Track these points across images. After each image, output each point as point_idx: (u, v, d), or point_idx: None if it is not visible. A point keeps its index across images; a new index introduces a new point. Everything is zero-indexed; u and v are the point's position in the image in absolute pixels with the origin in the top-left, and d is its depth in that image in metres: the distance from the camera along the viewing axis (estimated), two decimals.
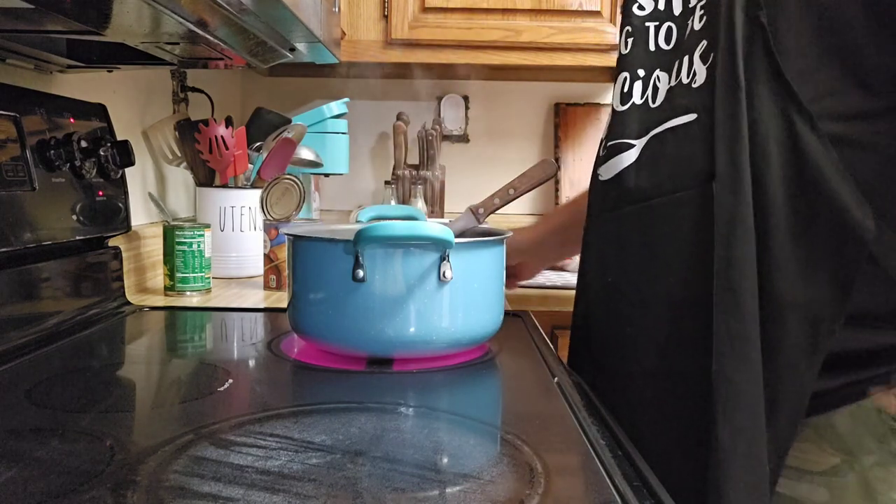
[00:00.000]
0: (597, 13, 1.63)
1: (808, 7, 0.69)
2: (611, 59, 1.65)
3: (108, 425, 0.56)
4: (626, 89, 0.79)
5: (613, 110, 0.80)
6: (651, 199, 0.74)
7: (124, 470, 0.48)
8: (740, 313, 0.66)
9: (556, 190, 1.93)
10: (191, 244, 1.15)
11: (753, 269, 0.66)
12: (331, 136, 1.64)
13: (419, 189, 1.82)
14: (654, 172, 0.74)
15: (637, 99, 0.78)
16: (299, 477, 0.46)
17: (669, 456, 0.68)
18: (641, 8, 0.79)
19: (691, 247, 0.70)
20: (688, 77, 0.73)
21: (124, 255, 1.07)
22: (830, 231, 0.67)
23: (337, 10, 1.06)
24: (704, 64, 0.71)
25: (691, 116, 0.71)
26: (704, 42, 0.72)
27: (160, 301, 1.11)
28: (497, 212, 0.89)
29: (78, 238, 0.93)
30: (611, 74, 1.70)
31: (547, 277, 1.47)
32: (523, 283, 1.12)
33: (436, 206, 1.88)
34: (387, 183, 1.87)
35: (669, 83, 0.75)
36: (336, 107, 1.65)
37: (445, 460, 0.51)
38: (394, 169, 1.86)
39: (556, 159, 1.93)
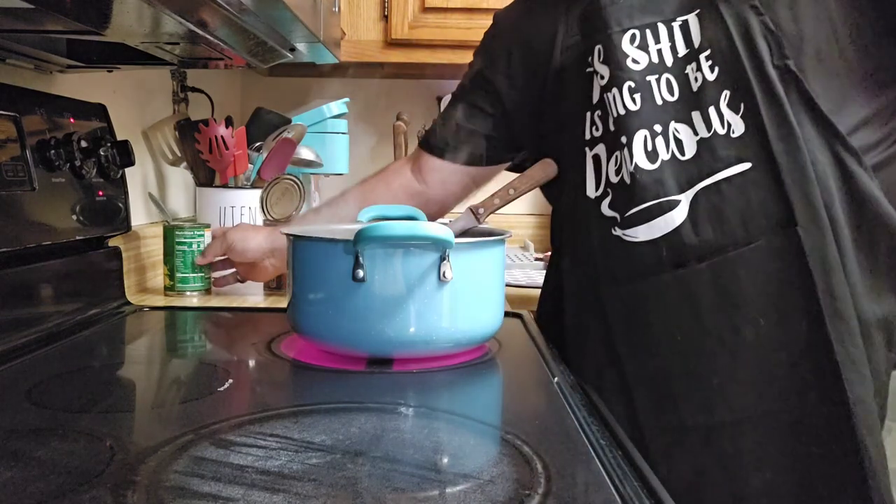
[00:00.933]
0: None
1: (828, 49, 0.75)
2: None
3: (108, 425, 0.56)
4: (650, 147, 0.79)
5: (638, 170, 0.78)
6: (723, 253, 0.75)
7: (124, 470, 0.48)
8: (855, 338, 0.72)
9: None
10: (190, 244, 1.14)
11: (849, 294, 0.72)
12: (331, 136, 1.64)
13: None
14: (718, 225, 0.76)
15: (664, 155, 0.78)
16: (299, 477, 0.46)
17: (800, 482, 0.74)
18: (636, 62, 0.79)
19: (781, 288, 0.73)
20: (723, 128, 0.75)
21: (124, 255, 1.07)
22: (890, 250, 0.75)
23: (337, 10, 1.06)
24: (737, 114, 0.74)
25: (745, 166, 0.74)
26: (727, 92, 0.75)
27: (160, 301, 1.11)
28: (497, 212, 0.89)
29: (78, 238, 0.93)
30: None
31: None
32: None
33: None
34: None
35: (696, 135, 0.77)
36: (336, 107, 1.64)
37: (445, 460, 0.51)
38: None
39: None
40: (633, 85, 0.79)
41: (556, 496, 0.45)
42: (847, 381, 0.71)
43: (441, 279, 0.71)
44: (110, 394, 0.67)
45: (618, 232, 0.80)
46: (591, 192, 0.83)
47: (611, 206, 0.82)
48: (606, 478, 0.48)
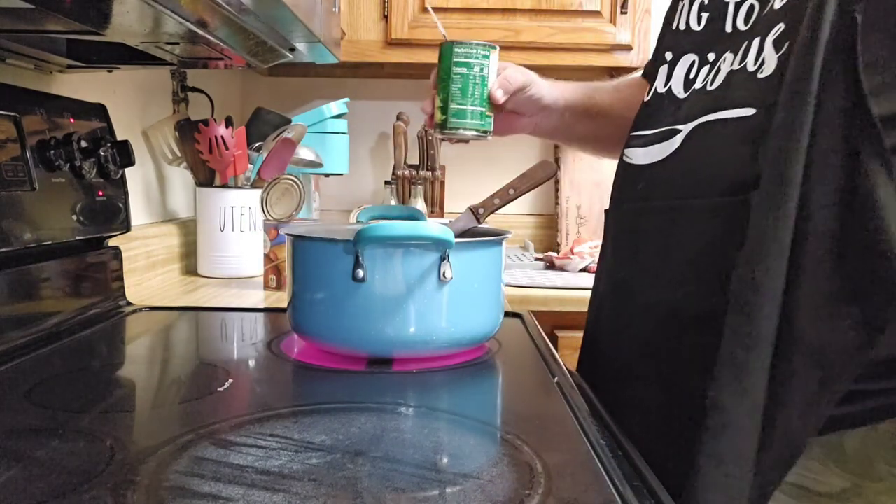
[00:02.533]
0: (597, 13, 1.63)
1: None
2: (611, 59, 1.66)
3: (108, 425, 0.56)
4: (691, 75, 0.69)
5: (669, 93, 0.70)
6: (682, 199, 0.66)
7: (124, 470, 0.48)
8: (752, 345, 0.59)
9: (556, 190, 1.93)
10: (472, 67, 0.89)
11: (778, 296, 0.58)
12: (331, 136, 1.64)
13: (419, 189, 1.82)
14: (692, 168, 0.66)
15: (698, 84, 0.69)
16: (299, 477, 0.46)
17: (655, 465, 0.63)
18: None
19: (711, 259, 0.63)
20: (755, 64, 0.63)
21: (124, 255, 1.07)
22: (871, 268, 0.58)
23: (337, 10, 1.06)
24: (777, 52, 0.61)
25: (748, 111, 0.62)
26: (781, 25, 0.61)
27: (160, 301, 1.11)
28: (497, 212, 0.89)
29: (78, 238, 0.93)
30: (610, 74, 1.70)
31: (547, 277, 1.47)
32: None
33: (436, 206, 1.88)
34: (387, 183, 1.88)
35: (732, 65, 0.65)
36: (336, 107, 1.65)
37: (445, 460, 0.51)
38: (394, 169, 1.86)
39: (556, 159, 1.93)
40: (705, 2, 0.69)
41: (556, 496, 0.45)
42: (716, 379, 0.59)
43: (441, 279, 0.71)
44: (110, 394, 0.67)
45: (624, 150, 0.76)
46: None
47: (633, 124, 0.76)
48: (606, 478, 0.48)
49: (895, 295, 0.56)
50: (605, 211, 0.82)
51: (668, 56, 0.72)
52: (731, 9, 0.67)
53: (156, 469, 0.48)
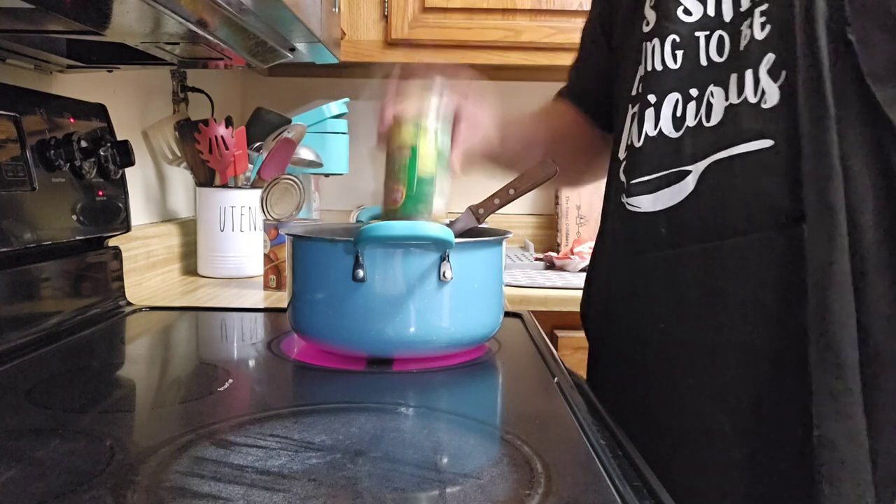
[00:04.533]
0: None
1: None
2: None
3: (108, 425, 0.56)
4: (678, 113, 0.69)
5: (661, 135, 0.70)
6: (720, 239, 0.65)
7: (124, 470, 0.48)
8: (842, 370, 0.60)
9: (556, 190, 1.93)
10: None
11: (853, 321, 0.60)
12: (331, 136, 1.64)
13: None
14: (721, 207, 0.66)
15: (691, 121, 0.68)
16: (299, 477, 0.46)
17: None
18: (688, 13, 0.69)
19: (773, 295, 0.63)
20: (755, 95, 0.64)
21: (124, 255, 1.07)
22: None
23: (337, 10, 1.06)
24: (775, 82, 0.63)
25: (766, 143, 0.63)
26: (772, 56, 0.63)
27: (160, 301, 1.11)
28: (497, 212, 0.89)
29: (78, 238, 0.93)
30: None
31: (547, 277, 1.47)
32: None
33: None
34: None
35: (727, 100, 0.66)
36: (336, 107, 1.65)
37: (445, 460, 0.51)
38: None
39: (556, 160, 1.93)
40: (677, 40, 0.69)
41: (556, 496, 0.45)
42: (816, 416, 0.60)
43: (441, 279, 0.71)
44: (110, 394, 0.67)
45: (624, 200, 0.74)
46: (621, 153, 0.76)
47: (624, 171, 0.74)
48: (606, 478, 0.48)
49: None
50: (599, 257, 0.79)
51: (652, 99, 0.71)
52: (702, 42, 0.68)
53: (156, 469, 0.48)
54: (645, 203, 0.71)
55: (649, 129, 0.71)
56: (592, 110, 0.93)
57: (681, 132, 0.69)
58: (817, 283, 0.60)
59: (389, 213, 0.78)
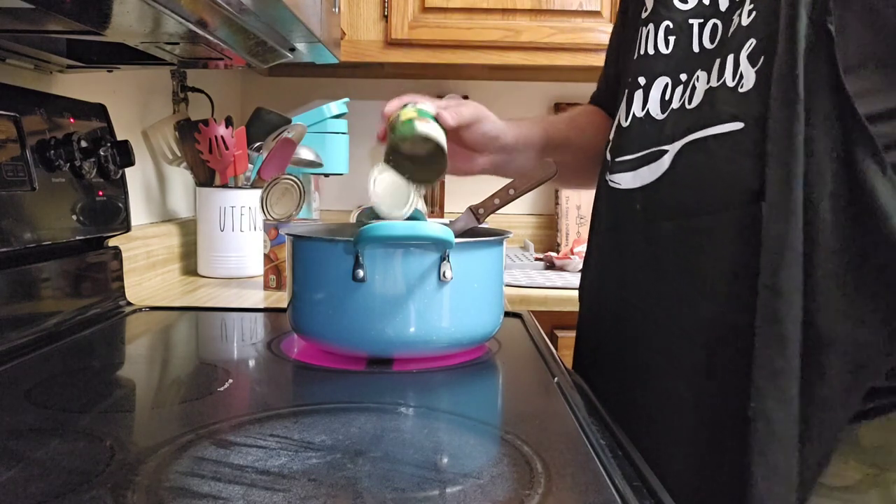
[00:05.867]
0: (597, 13, 1.63)
1: (876, 22, 0.62)
2: None
3: (108, 425, 0.56)
4: (667, 97, 0.71)
5: (648, 116, 0.72)
6: (694, 217, 0.67)
7: (124, 470, 0.48)
8: (784, 348, 0.61)
9: (556, 190, 1.93)
10: None
11: (800, 301, 0.61)
12: (331, 136, 1.64)
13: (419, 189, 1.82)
14: (696, 186, 0.67)
15: (676, 104, 0.71)
16: (299, 477, 0.46)
17: (698, 486, 0.65)
18: (684, 1, 0.71)
19: (734, 272, 0.65)
20: (733, 79, 0.66)
21: (124, 255, 1.07)
22: (885, 269, 0.60)
23: (337, 10, 1.06)
24: (753, 66, 0.64)
25: (737, 125, 0.65)
26: (752, 41, 0.65)
27: (160, 301, 1.11)
28: (497, 212, 0.89)
29: (78, 238, 0.93)
30: None
31: (547, 277, 1.47)
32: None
33: (436, 206, 1.88)
34: None
35: (709, 83, 0.68)
36: (336, 107, 1.65)
37: (445, 460, 0.51)
38: None
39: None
40: (671, 26, 0.71)
41: (556, 496, 0.45)
42: (755, 389, 0.62)
43: (441, 279, 0.71)
44: (110, 394, 0.67)
45: (608, 177, 0.76)
46: (611, 133, 0.79)
47: (610, 150, 0.76)
48: (606, 478, 0.48)
49: None
50: (591, 234, 0.81)
51: (642, 81, 0.73)
52: (695, 29, 0.71)
53: (156, 469, 0.48)
54: (625, 180, 0.74)
55: (637, 109, 0.73)
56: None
57: (666, 113, 0.72)
58: (770, 261, 0.62)
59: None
